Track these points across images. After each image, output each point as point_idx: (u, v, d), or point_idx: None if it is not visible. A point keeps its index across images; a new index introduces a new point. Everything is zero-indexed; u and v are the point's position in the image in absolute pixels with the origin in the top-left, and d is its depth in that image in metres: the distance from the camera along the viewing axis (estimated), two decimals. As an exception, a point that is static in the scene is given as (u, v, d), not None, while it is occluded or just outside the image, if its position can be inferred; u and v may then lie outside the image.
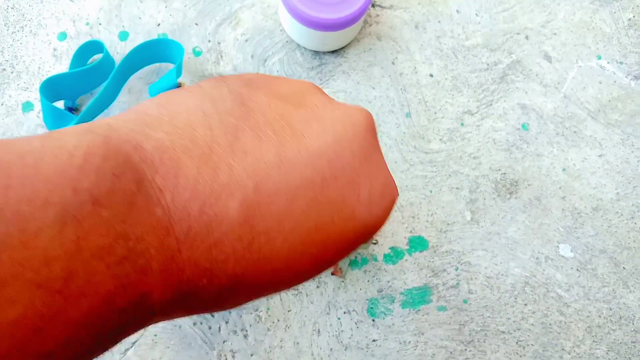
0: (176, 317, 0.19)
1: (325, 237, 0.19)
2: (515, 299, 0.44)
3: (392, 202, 0.22)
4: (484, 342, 0.43)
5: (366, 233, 0.21)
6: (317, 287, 0.43)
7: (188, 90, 0.19)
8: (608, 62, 0.49)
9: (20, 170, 0.13)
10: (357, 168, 0.20)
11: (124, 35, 0.47)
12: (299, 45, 0.48)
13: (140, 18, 0.48)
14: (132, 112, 0.18)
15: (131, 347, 0.41)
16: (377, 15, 0.49)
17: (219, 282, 0.17)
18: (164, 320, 0.18)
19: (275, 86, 0.21)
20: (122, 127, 0.17)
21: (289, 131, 0.19)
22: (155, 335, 0.41)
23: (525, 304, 0.44)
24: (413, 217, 0.45)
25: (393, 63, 0.48)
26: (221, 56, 0.47)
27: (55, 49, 0.46)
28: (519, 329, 0.44)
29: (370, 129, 0.22)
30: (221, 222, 0.17)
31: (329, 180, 0.19)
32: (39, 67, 0.46)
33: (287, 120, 0.19)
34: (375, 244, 0.44)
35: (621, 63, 0.49)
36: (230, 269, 0.17)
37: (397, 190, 0.23)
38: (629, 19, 0.50)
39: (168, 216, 0.16)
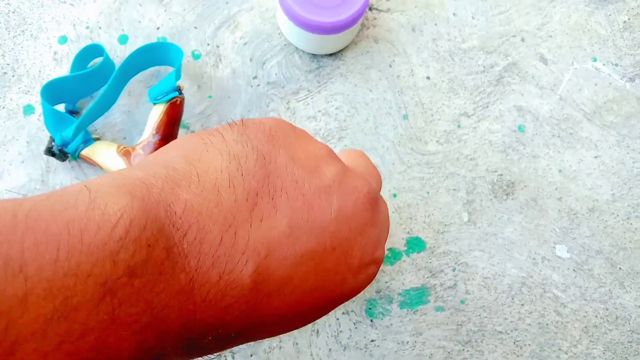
0: None
1: (315, 300, 0.21)
2: (512, 299, 0.44)
3: (376, 270, 0.25)
4: (482, 342, 0.44)
5: (349, 296, 0.23)
6: (316, 287, 0.43)
7: (213, 145, 0.20)
8: (603, 64, 0.50)
9: (67, 243, 0.14)
10: (352, 241, 0.22)
11: (123, 39, 0.47)
12: (297, 48, 0.48)
13: (139, 22, 0.48)
14: (160, 165, 0.19)
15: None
16: (375, 19, 0.50)
17: (221, 337, 0.19)
18: None
19: (294, 146, 0.22)
20: (154, 185, 0.18)
21: (300, 201, 0.21)
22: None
23: (522, 304, 0.44)
24: (410, 219, 0.45)
25: (390, 66, 0.49)
26: (220, 59, 0.48)
27: (55, 53, 0.47)
28: (516, 329, 0.44)
29: (370, 204, 0.23)
30: (235, 287, 0.18)
31: (328, 251, 0.21)
32: (39, 71, 0.46)
33: (301, 189, 0.21)
34: None
35: (616, 65, 0.50)
36: (233, 327, 0.19)
37: (383, 258, 0.25)
38: (624, 22, 0.51)
39: (191, 282, 0.17)
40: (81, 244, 0.14)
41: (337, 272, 0.21)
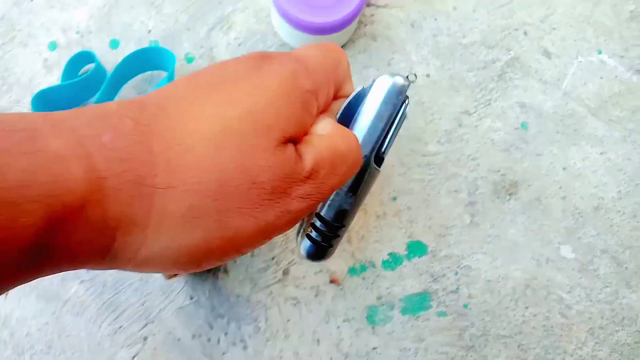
0: (105, 264, 0.21)
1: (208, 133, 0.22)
2: (516, 302, 0.44)
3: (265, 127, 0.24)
4: (485, 347, 0.43)
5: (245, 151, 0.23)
6: (316, 295, 0.43)
7: None
8: (609, 57, 0.48)
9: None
10: (240, 80, 0.24)
11: (114, 44, 0.46)
12: (292, 48, 0.47)
13: (130, 25, 0.47)
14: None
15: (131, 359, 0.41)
16: (372, 15, 0.48)
17: (129, 167, 0.20)
18: (92, 264, 0.20)
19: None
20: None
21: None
22: (155, 349, 0.41)
23: (527, 307, 0.44)
24: (411, 222, 0.44)
25: (389, 64, 0.47)
26: (214, 61, 0.47)
27: (46, 60, 0.46)
28: (520, 333, 0.43)
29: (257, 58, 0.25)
30: (123, 129, 0.20)
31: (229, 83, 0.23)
32: (29, 79, 0.45)
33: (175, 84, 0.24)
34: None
35: (622, 57, 0.48)
36: (136, 149, 0.20)
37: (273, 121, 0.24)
38: (631, 11, 0.49)
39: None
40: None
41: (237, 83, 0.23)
